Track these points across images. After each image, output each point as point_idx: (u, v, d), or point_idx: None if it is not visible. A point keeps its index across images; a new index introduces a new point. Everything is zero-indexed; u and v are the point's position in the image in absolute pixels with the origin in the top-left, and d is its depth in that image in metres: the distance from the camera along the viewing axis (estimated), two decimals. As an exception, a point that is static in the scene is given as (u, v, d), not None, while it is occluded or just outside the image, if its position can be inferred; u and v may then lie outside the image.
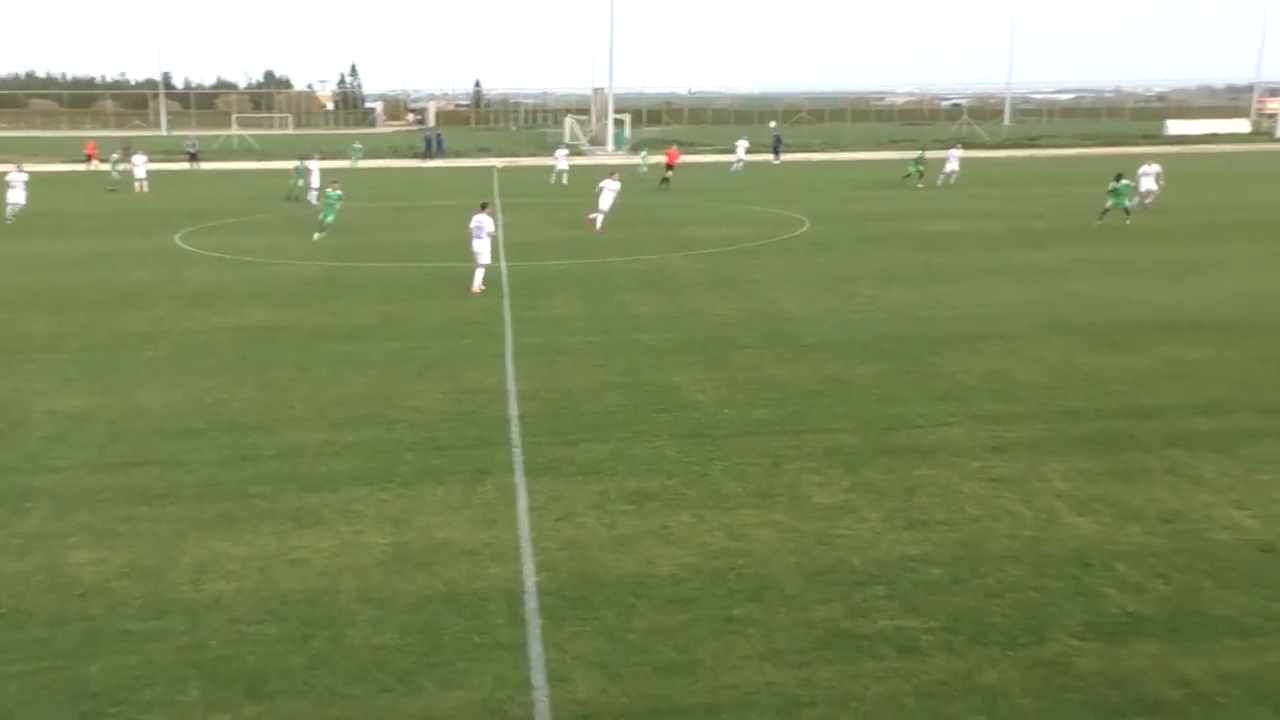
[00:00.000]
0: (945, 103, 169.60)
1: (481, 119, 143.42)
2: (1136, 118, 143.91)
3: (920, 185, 53.60)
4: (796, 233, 36.57)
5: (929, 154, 58.20)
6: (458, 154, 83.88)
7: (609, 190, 36.85)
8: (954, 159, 54.88)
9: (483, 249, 25.50)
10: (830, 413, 15.96)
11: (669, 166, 52.36)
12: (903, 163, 58.60)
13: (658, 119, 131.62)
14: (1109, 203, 37.23)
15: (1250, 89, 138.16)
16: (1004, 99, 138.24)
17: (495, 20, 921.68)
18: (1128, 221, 36.46)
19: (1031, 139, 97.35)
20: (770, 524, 11.96)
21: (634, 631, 9.65)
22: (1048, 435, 14.82)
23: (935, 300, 24.39)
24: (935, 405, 16.24)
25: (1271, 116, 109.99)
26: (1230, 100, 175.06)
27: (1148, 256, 30.31)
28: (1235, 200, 44.49)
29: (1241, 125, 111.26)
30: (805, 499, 12.69)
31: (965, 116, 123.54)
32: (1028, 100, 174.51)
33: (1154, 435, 14.74)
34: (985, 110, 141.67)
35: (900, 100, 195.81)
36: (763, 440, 14.75)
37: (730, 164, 66.88)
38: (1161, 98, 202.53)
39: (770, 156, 72.48)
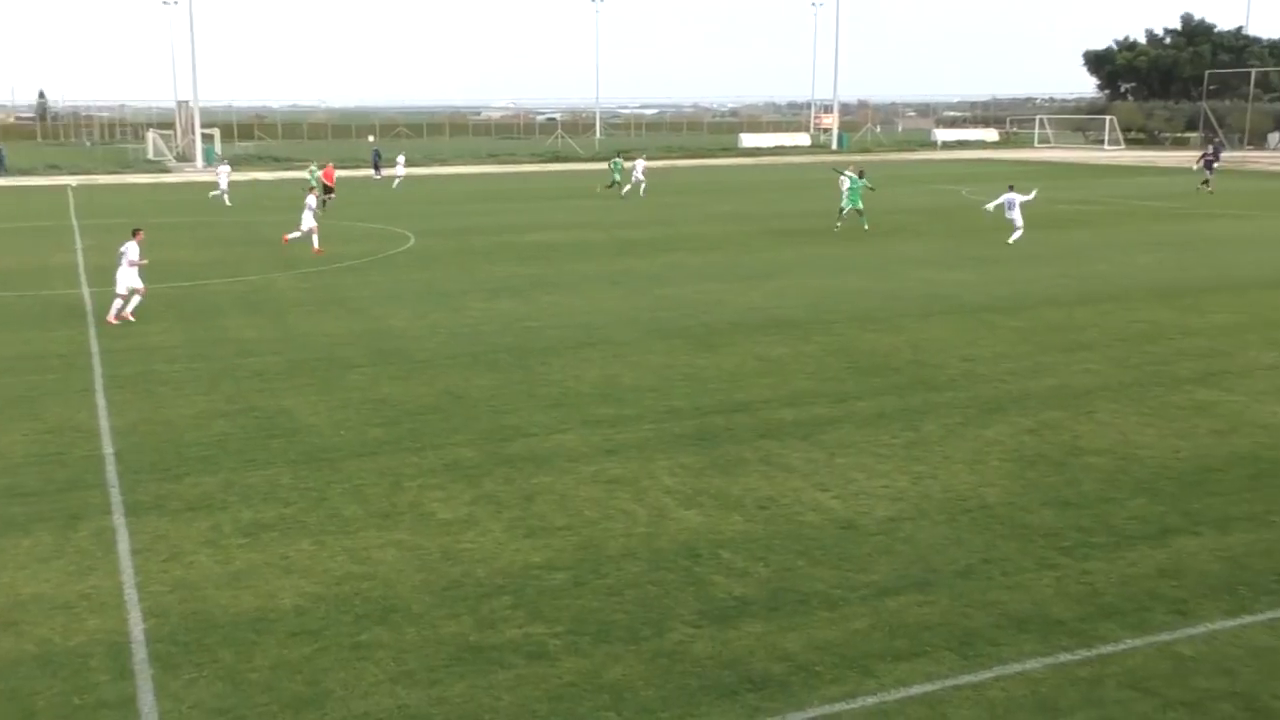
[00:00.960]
0: (540, 117, 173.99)
1: (49, 133, 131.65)
2: (714, 131, 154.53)
3: (599, 190, 56.76)
4: (402, 248, 36.35)
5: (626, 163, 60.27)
6: (22, 172, 76.50)
7: (309, 208, 35.29)
8: (640, 169, 56.82)
9: (123, 276, 23.79)
10: (447, 427, 16.03)
11: (328, 189, 50.35)
12: (501, 176, 59.59)
13: (250, 133, 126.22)
14: (857, 206, 39.00)
15: (808, 106, 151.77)
16: (594, 114, 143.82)
17: (60, 26, 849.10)
18: (837, 226, 38.64)
19: (622, 152, 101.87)
20: (394, 544, 11.86)
21: (256, 670, 9.27)
22: (655, 435, 15.64)
23: (542, 310, 25.06)
24: (548, 413, 16.72)
25: (827, 130, 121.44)
26: (793, 116, 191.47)
27: (730, 261, 32.62)
28: (798, 208, 48.78)
29: (803, 139, 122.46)
30: (428, 515, 12.68)
31: (560, 131, 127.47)
32: (616, 115, 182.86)
33: (747, 428, 15.93)
34: (578, 124, 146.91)
35: (496, 115, 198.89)
36: (381, 460, 14.59)
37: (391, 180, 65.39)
38: (735, 113, 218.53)
39: (370, 172, 71.46)
